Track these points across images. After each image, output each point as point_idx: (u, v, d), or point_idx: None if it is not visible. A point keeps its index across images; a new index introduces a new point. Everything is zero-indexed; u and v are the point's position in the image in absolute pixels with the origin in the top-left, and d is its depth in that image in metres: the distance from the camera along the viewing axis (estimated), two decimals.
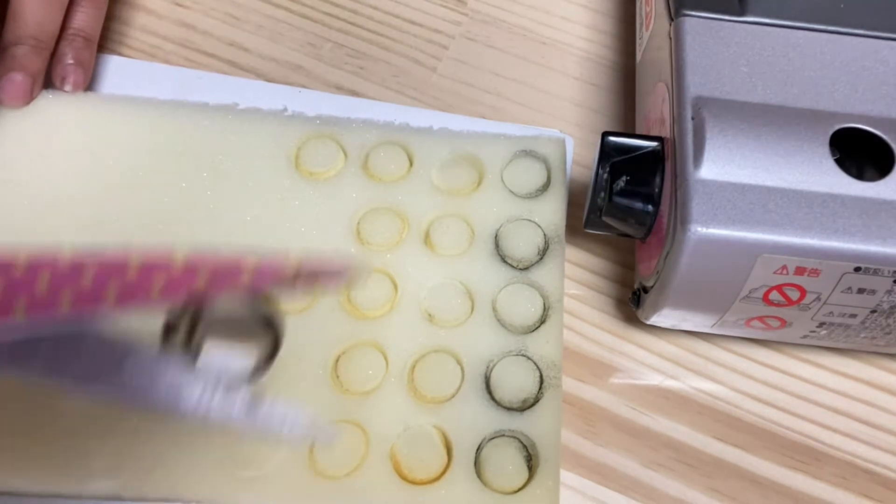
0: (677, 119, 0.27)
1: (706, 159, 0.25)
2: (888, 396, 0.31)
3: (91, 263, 0.18)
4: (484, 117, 0.37)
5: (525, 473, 0.27)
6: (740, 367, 0.31)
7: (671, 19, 0.30)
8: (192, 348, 0.22)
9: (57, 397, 0.28)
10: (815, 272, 0.25)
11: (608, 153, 0.28)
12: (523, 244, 0.32)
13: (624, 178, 0.28)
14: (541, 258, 0.32)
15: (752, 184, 0.25)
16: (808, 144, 0.26)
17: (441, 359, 0.29)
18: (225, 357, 0.22)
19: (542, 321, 0.30)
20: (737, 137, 0.26)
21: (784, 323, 0.27)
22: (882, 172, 0.25)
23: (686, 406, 0.30)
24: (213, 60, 0.38)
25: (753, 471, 0.29)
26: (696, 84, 0.27)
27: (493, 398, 0.29)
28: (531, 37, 0.40)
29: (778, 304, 0.26)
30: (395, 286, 0.31)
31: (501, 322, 0.30)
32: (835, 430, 0.30)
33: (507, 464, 0.27)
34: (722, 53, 0.28)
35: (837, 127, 0.26)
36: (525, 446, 0.28)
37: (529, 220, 0.33)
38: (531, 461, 0.28)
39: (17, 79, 0.33)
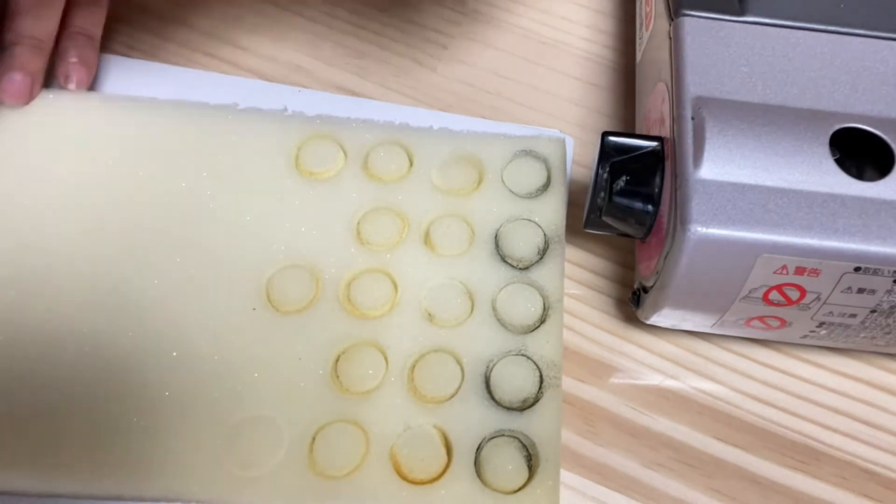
0: (677, 119, 0.27)
1: (706, 159, 0.25)
2: (888, 396, 0.31)
3: None
4: (484, 117, 0.37)
5: (525, 473, 0.27)
6: (740, 367, 0.31)
7: (671, 19, 0.30)
8: None
9: (56, 397, 0.28)
10: (815, 272, 0.25)
11: (608, 153, 0.28)
12: (523, 244, 0.32)
13: (624, 178, 0.28)
14: (541, 258, 0.32)
15: (752, 184, 0.25)
16: (808, 144, 0.26)
17: (441, 359, 0.29)
18: None
19: (542, 321, 0.30)
20: (737, 137, 0.26)
21: (784, 323, 0.27)
22: (882, 172, 0.25)
23: (686, 406, 0.30)
24: (214, 60, 0.38)
25: (753, 471, 0.29)
26: (696, 84, 0.27)
27: (493, 398, 0.29)
28: (531, 37, 0.40)
29: (778, 304, 0.26)
30: (395, 286, 0.31)
31: (501, 322, 0.30)
32: (835, 430, 0.30)
33: (507, 464, 0.27)
34: (722, 53, 0.28)
35: (837, 127, 0.26)
36: (525, 446, 0.28)
37: (529, 220, 0.33)
38: (531, 461, 0.28)
39: (17, 78, 0.33)
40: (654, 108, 0.31)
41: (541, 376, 0.29)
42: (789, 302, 0.26)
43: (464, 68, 0.39)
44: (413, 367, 0.29)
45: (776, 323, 0.27)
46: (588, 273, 0.33)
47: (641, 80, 0.35)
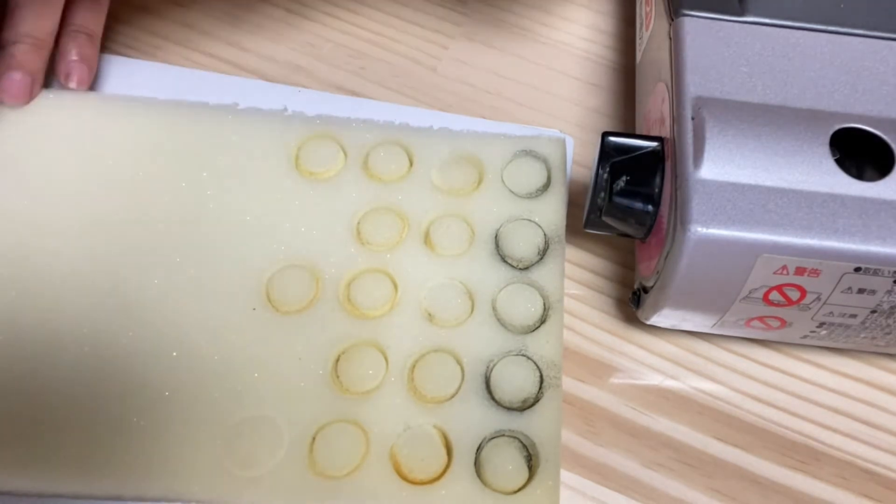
0: (677, 119, 0.27)
1: (706, 159, 0.25)
2: (888, 396, 0.31)
3: None
4: (484, 117, 0.37)
5: (525, 473, 0.27)
6: (740, 367, 0.31)
7: (671, 19, 0.30)
8: None
9: (56, 397, 0.28)
10: (815, 272, 0.25)
11: (608, 153, 0.28)
12: (523, 244, 0.32)
13: (624, 178, 0.28)
14: (541, 258, 0.32)
15: (752, 184, 0.25)
16: (808, 144, 0.26)
17: (441, 359, 0.29)
18: None
19: (542, 321, 0.30)
20: (737, 137, 0.26)
21: (784, 323, 0.27)
22: (882, 172, 0.25)
23: (686, 406, 0.30)
24: (213, 60, 0.38)
25: (753, 471, 0.29)
26: (696, 84, 0.27)
27: (493, 398, 0.29)
28: (531, 37, 0.40)
29: (778, 304, 0.26)
30: (395, 286, 0.31)
31: (501, 322, 0.30)
32: (835, 430, 0.30)
33: (507, 464, 0.27)
34: (722, 53, 0.28)
35: (837, 127, 0.26)
36: (525, 446, 0.28)
37: (529, 220, 0.33)
38: (531, 461, 0.28)
39: (16, 77, 0.33)
40: (654, 108, 0.31)
41: (541, 376, 0.29)
42: (789, 302, 0.26)
43: (464, 68, 0.39)
44: (413, 367, 0.29)
45: (776, 323, 0.27)
46: (588, 273, 0.33)
47: (641, 80, 0.35)
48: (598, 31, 0.41)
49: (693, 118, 0.26)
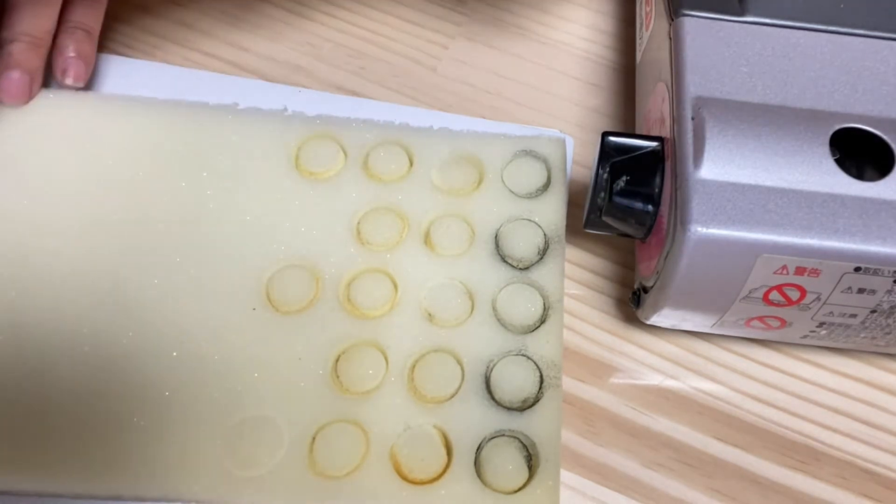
0: (677, 119, 0.27)
1: (706, 159, 0.25)
2: (888, 396, 0.31)
3: None
4: (484, 117, 0.37)
5: (525, 473, 0.27)
6: (740, 367, 0.31)
7: (671, 19, 0.30)
8: None
9: (56, 397, 0.28)
10: (815, 272, 0.25)
11: (608, 153, 0.28)
12: (523, 244, 0.32)
13: (624, 178, 0.28)
14: (541, 258, 0.32)
15: (752, 184, 0.25)
16: (808, 144, 0.26)
17: (441, 359, 0.29)
18: None
19: (542, 321, 0.30)
20: (737, 137, 0.26)
21: (784, 323, 0.27)
22: (882, 172, 0.25)
23: (686, 406, 0.30)
24: (213, 60, 0.38)
25: (753, 471, 0.29)
26: (696, 84, 0.27)
27: (493, 398, 0.29)
28: (531, 37, 0.40)
29: (778, 304, 0.26)
30: (395, 286, 0.31)
31: (501, 322, 0.30)
32: (835, 430, 0.30)
33: (507, 464, 0.27)
34: (722, 53, 0.28)
35: (837, 127, 0.26)
36: (525, 446, 0.28)
37: (529, 220, 0.33)
38: (531, 461, 0.28)
39: (15, 76, 0.33)
40: (654, 108, 0.31)
41: (541, 376, 0.29)
42: (789, 302, 0.26)
43: (464, 68, 0.39)
44: (413, 367, 0.29)
45: (776, 323, 0.27)
46: (588, 273, 0.33)
47: (641, 80, 0.35)
48: (598, 31, 0.41)
49: (693, 118, 0.26)
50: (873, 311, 0.26)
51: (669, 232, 0.26)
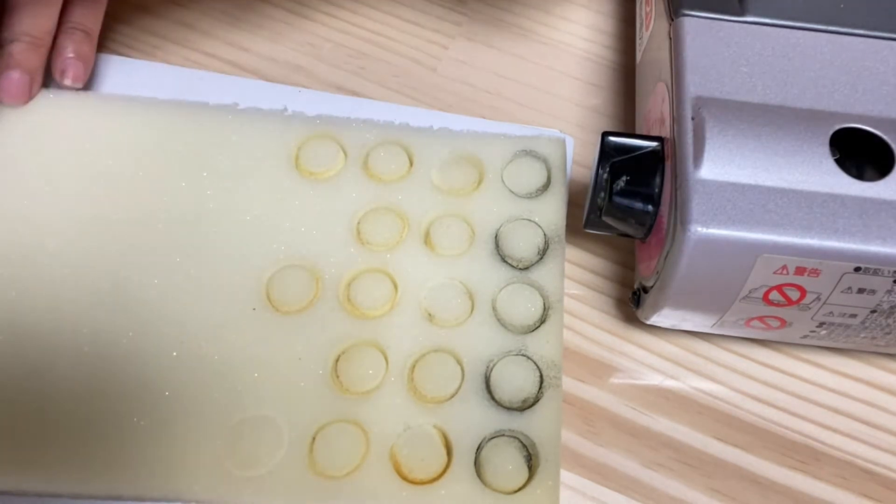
0: (677, 119, 0.27)
1: (706, 159, 0.25)
2: (888, 396, 0.31)
3: None
4: (484, 117, 0.37)
5: (525, 473, 0.27)
6: (740, 367, 0.31)
7: (671, 19, 0.30)
8: None
9: (56, 397, 0.28)
10: (815, 272, 0.25)
11: (608, 153, 0.28)
12: (523, 244, 0.32)
13: (624, 178, 0.28)
14: (541, 258, 0.32)
15: (752, 184, 0.25)
16: (808, 144, 0.26)
17: (441, 359, 0.29)
18: None
19: (542, 321, 0.30)
20: (737, 137, 0.26)
21: (784, 323, 0.27)
22: (882, 172, 0.25)
23: (686, 406, 0.30)
24: (213, 60, 0.38)
25: (753, 471, 0.29)
26: (696, 84, 0.27)
27: (493, 398, 0.29)
28: (531, 37, 0.40)
29: (778, 304, 0.26)
30: (395, 286, 0.31)
31: (501, 322, 0.30)
32: (835, 430, 0.30)
33: (507, 464, 0.27)
34: (722, 53, 0.28)
35: (837, 127, 0.26)
36: (525, 446, 0.28)
37: (529, 220, 0.33)
38: (531, 461, 0.28)
39: (15, 76, 0.33)
40: (654, 108, 0.31)
41: (541, 376, 0.29)
42: (789, 302, 0.26)
43: (464, 68, 0.39)
44: (413, 367, 0.29)
45: (776, 323, 0.27)
46: (588, 273, 0.33)
47: (641, 80, 0.35)
48: (598, 31, 0.41)
49: (693, 118, 0.26)
50: (873, 311, 0.26)
51: (669, 232, 0.26)
